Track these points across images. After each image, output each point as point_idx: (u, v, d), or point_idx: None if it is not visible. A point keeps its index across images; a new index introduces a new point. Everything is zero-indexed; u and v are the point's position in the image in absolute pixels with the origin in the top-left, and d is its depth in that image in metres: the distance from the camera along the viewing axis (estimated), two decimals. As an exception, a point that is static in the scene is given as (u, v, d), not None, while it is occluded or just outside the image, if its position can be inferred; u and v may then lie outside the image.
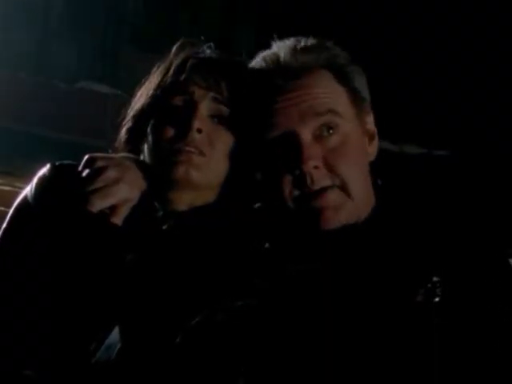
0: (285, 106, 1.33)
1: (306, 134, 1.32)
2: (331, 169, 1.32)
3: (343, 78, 1.37)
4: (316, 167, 1.31)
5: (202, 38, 1.50)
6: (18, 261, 1.34)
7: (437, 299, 1.23)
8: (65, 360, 1.29)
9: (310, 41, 1.39)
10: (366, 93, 1.42)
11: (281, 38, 1.42)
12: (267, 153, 1.35)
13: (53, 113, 6.45)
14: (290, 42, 1.38)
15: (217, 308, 1.24)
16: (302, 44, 1.37)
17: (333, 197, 1.32)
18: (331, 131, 1.33)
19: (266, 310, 1.24)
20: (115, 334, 1.29)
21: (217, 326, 1.23)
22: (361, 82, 1.40)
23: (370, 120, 1.43)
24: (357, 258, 1.29)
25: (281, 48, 1.38)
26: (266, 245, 1.37)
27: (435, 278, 1.24)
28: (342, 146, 1.33)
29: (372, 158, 1.42)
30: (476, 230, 1.39)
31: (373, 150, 1.43)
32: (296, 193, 1.32)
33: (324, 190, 1.31)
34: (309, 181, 1.30)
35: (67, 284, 1.31)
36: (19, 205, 1.39)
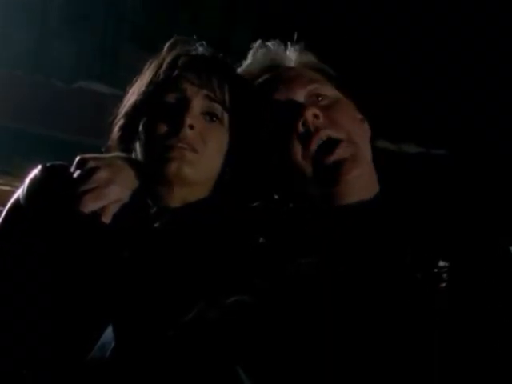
0: (275, 85, 1.45)
1: (299, 98, 1.42)
2: (333, 120, 1.40)
3: (313, 68, 1.50)
4: (316, 116, 1.38)
5: (200, 38, 1.50)
6: (11, 262, 1.34)
7: (443, 285, 1.23)
8: (61, 358, 1.29)
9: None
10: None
11: (280, 38, 1.46)
12: (270, 131, 1.44)
13: (52, 112, 6.44)
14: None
15: (209, 305, 1.25)
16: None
17: (344, 150, 1.38)
18: (320, 98, 1.43)
19: (260, 306, 1.24)
20: (109, 333, 1.30)
21: (209, 323, 1.23)
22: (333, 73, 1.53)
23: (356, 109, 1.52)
24: (357, 246, 1.29)
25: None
26: (261, 239, 1.37)
27: (442, 263, 1.24)
28: (335, 105, 1.43)
29: (368, 135, 1.49)
30: (478, 221, 1.39)
31: (367, 129, 1.51)
32: (309, 152, 1.38)
33: (333, 144, 1.38)
34: (312, 129, 1.38)
35: (61, 284, 1.31)
36: (11, 206, 1.40)
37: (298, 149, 1.40)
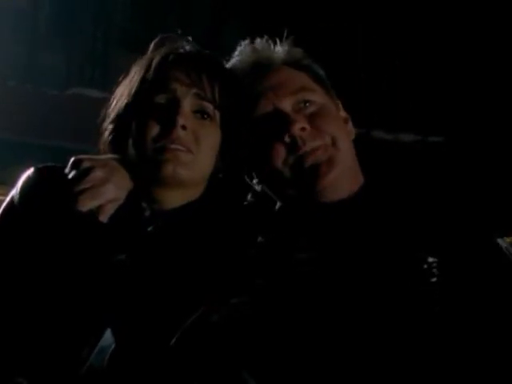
0: (264, 90, 1.47)
1: (287, 107, 1.44)
2: (318, 128, 1.43)
3: (301, 68, 1.52)
4: (303, 129, 1.41)
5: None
6: (5, 264, 1.33)
7: (434, 279, 1.23)
8: (58, 365, 1.28)
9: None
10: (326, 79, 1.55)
11: (272, 35, 1.47)
12: (256, 135, 1.44)
13: (47, 120, 6.43)
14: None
15: (211, 308, 1.24)
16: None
17: (323, 152, 1.42)
18: (307, 104, 1.46)
19: (261, 306, 1.24)
20: (107, 338, 1.29)
21: (212, 326, 1.23)
22: (319, 70, 1.54)
23: (339, 106, 1.55)
24: (349, 241, 1.30)
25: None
26: (259, 239, 1.37)
27: (431, 259, 1.25)
28: (321, 111, 1.46)
29: (352, 136, 1.53)
30: (469, 212, 1.40)
31: (350, 130, 1.55)
32: (290, 159, 1.42)
33: (315, 149, 1.42)
34: (300, 143, 1.41)
35: (58, 285, 1.30)
36: (6, 208, 1.39)
37: (280, 156, 1.42)
